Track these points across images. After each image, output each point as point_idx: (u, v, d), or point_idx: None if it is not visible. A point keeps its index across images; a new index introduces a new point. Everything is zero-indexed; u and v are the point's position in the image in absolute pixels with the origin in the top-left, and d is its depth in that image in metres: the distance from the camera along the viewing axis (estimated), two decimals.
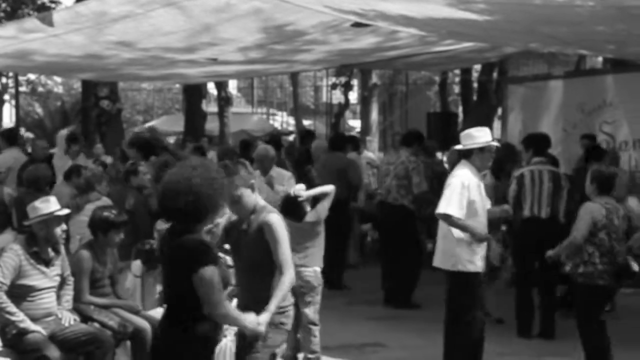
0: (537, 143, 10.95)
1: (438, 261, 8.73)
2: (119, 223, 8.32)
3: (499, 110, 19.69)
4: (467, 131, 8.83)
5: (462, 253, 8.44)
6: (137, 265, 9.67)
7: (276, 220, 6.01)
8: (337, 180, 12.82)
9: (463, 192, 8.38)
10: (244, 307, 5.91)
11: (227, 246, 6.75)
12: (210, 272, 5.07)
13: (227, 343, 8.22)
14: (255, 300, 5.89)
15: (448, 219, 8.39)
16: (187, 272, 5.09)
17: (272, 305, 5.80)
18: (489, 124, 19.18)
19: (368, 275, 13.52)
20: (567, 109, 15.02)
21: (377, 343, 10.13)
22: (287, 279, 5.93)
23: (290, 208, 8.13)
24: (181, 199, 5.04)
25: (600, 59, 21.77)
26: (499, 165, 11.18)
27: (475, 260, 8.47)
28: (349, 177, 13.27)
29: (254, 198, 6.13)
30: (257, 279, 6.03)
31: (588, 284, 8.47)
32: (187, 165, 5.23)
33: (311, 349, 8.79)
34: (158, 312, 8.40)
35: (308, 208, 8.53)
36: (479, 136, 8.65)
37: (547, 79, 16.76)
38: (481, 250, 8.55)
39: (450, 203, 8.35)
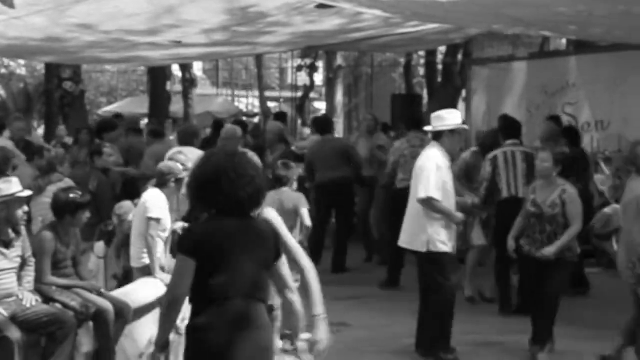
0: (509, 125, 11.04)
1: (406, 242, 8.78)
2: (85, 203, 8.27)
3: (464, 92, 19.75)
4: (437, 113, 8.88)
5: (434, 234, 8.50)
6: (100, 246, 9.65)
7: (271, 213, 5.92)
8: (340, 164, 13.06)
9: (438, 174, 8.48)
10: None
11: None
12: None
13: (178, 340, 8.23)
14: None
15: (430, 202, 8.46)
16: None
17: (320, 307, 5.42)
18: (453, 105, 19.25)
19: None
20: (530, 90, 15.10)
21: (341, 323, 10.13)
22: (308, 265, 5.62)
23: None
24: (257, 190, 4.94)
25: (563, 40, 21.88)
26: (484, 150, 11.24)
27: (447, 241, 8.55)
28: (352, 160, 13.36)
29: None
30: None
31: (573, 262, 8.79)
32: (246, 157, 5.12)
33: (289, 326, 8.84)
34: (120, 293, 8.40)
35: None
36: (450, 118, 8.71)
37: (511, 61, 16.83)
38: (453, 231, 8.63)
39: (429, 186, 8.43)
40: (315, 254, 12.18)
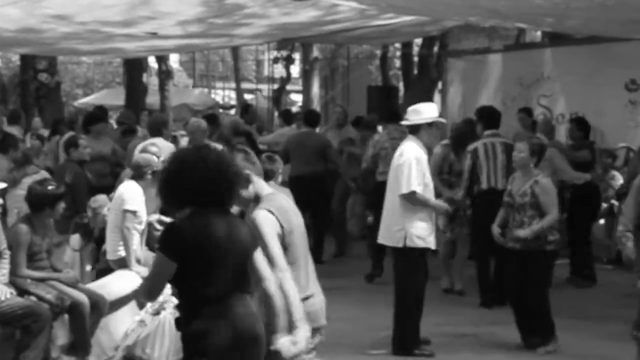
0: (488, 116, 11.05)
1: (384, 237, 8.79)
2: (60, 195, 8.24)
3: (440, 84, 19.80)
4: (414, 106, 8.86)
5: (411, 229, 8.49)
6: (75, 239, 9.61)
7: (262, 216, 5.66)
8: (317, 159, 13.08)
9: (418, 168, 8.47)
10: None
11: None
12: None
13: (167, 316, 8.22)
14: None
15: (413, 196, 8.46)
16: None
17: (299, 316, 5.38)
18: (429, 97, 19.31)
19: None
20: (506, 82, 15.15)
21: None
22: (284, 276, 5.42)
23: None
24: (228, 184, 4.88)
25: (539, 33, 21.95)
26: (459, 141, 11.26)
27: (426, 236, 8.55)
28: (328, 156, 13.39)
29: (250, 191, 5.75)
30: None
31: (554, 251, 8.83)
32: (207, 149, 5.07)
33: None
34: (96, 285, 8.38)
35: None
36: (427, 111, 8.71)
37: (486, 53, 16.88)
38: (431, 225, 8.63)
39: (411, 180, 8.42)
40: None
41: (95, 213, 9.40)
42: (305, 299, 5.78)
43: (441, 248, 11.35)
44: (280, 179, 8.95)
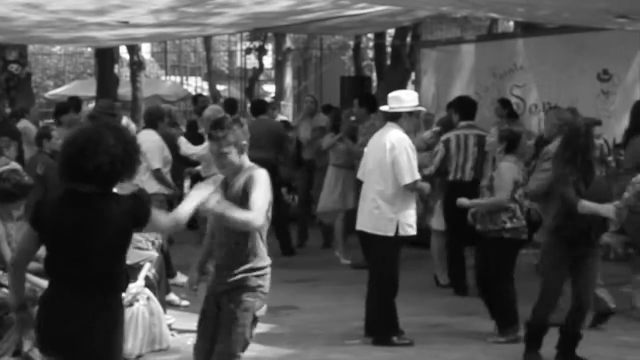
0: (465, 107, 11.05)
1: (371, 227, 8.74)
2: (30, 186, 8.17)
3: (413, 75, 19.80)
4: (395, 93, 8.91)
5: (403, 218, 8.55)
6: None
7: (262, 174, 5.81)
8: (269, 145, 13.08)
9: (412, 155, 8.57)
10: (220, 267, 5.85)
11: None
12: None
13: (140, 308, 8.19)
14: (233, 260, 5.78)
15: (416, 185, 8.58)
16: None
17: (229, 211, 5.38)
18: (403, 88, 19.26)
19: None
20: (479, 73, 15.15)
21: (291, 306, 10.16)
22: (252, 216, 5.53)
23: None
24: (97, 159, 4.70)
25: (511, 23, 21.99)
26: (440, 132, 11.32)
27: (414, 224, 8.65)
28: (282, 143, 13.51)
29: (240, 159, 5.86)
30: (234, 239, 5.78)
31: (515, 239, 8.66)
32: (101, 127, 5.01)
33: None
34: None
35: None
36: (408, 100, 8.75)
37: (459, 43, 16.86)
38: (414, 214, 8.69)
39: (413, 170, 8.53)
40: None
41: None
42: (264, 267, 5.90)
43: (434, 241, 11.38)
44: None
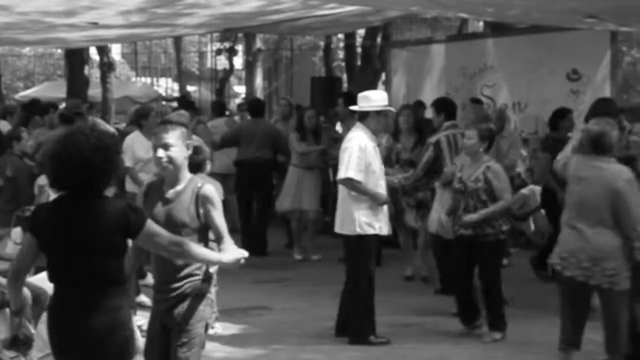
0: (448, 107, 11.13)
1: (338, 227, 8.77)
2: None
3: (383, 75, 19.81)
4: (364, 93, 8.93)
5: (361, 217, 8.52)
6: (17, 232, 9.48)
7: (214, 190, 5.62)
8: (261, 146, 13.07)
9: (360, 155, 8.49)
10: (160, 281, 5.64)
11: None
12: None
13: None
14: (172, 274, 5.56)
15: (349, 182, 8.49)
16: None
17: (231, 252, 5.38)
18: (373, 88, 19.25)
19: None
20: (449, 72, 15.20)
21: (261, 306, 10.15)
22: (238, 251, 5.40)
23: None
24: (77, 174, 4.68)
25: (481, 23, 22.05)
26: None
27: (374, 223, 8.57)
28: (277, 145, 13.44)
29: (184, 159, 5.61)
30: None
31: (506, 240, 9.00)
32: (79, 138, 4.83)
33: None
34: (38, 279, 8.26)
35: None
36: (377, 99, 8.76)
37: (429, 43, 16.91)
38: (380, 212, 8.65)
39: (349, 167, 8.45)
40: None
41: (41, 191, 9.29)
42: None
43: (402, 238, 11.43)
44: (208, 168, 8.94)
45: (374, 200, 8.58)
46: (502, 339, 8.64)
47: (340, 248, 9.22)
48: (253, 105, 14.61)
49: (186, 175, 5.65)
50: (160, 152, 5.56)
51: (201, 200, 5.53)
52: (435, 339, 8.82)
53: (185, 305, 5.56)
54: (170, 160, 5.55)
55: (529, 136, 13.69)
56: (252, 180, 13.26)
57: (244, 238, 12.45)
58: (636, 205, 6.85)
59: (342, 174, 8.49)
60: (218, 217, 5.54)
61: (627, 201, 6.82)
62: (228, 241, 5.53)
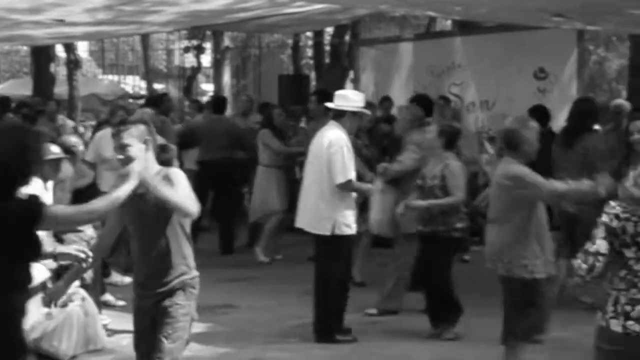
0: (427, 105, 11.15)
1: (309, 226, 8.73)
2: None
3: (351, 73, 19.80)
4: (343, 92, 9.00)
5: (339, 217, 8.51)
6: None
7: (178, 171, 5.63)
8: (221, 144, 12.98)
9: (348, 154, 8.53)
10: (146, 276, 5.61)
11: None
12: None
13: (74, 308, 8.08)
14: (158, 268, 5.56)
15: (349, 184, 8.53)
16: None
17: (165, 188, 5.30)
18: (341, 86, 19.27)
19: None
20: (417, 71, 15.19)
21: (228, 305, 10.11)
22: (188, 201, 5.37)
23: None
24: None
25: (449, 22, 22.10)
26: None
27: (352, 224, 8.59)
28: (240, 143, 13.36)
29: (146, 156, 5.57)
30: (160, 247, 5.55)
31: (461, 238, 8.80)
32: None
33: None
34: None
35: None
36: (355, 100, 8.78)
37: (397, 42, 16.91)
38: (355, 212, 8.69)
39: (346, 169, 8.48)
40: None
41: None
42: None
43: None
44: (176, 167, 8.87)
45: (368, 194, 8.73)
46: (454, 338, 8.60)
47: (303, 246, 9.19)
48: (214, 103, 14.58)
49: (153, 170, 5.59)
50: (119, 154, 5.57)
51: (165, 182, 5.48)
52: (402, 337, 8.81)
53: (172, 299, 5.55)
54: (129, 159, 5.48)
55: (497, 134, 13.67)
56: (213, 181, 13.14)
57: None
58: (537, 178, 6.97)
59: (341, 177, 8.47)
60: (178, 190, 5.45)
61: (526, 179, 6.94)
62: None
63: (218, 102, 14.52)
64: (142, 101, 24.99)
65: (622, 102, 12.21)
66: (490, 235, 7.28)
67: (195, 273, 5.69)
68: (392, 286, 9.65)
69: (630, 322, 4.42)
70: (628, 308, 4.44)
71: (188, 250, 5.69)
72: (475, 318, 8.84)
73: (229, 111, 16.65)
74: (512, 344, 7.27)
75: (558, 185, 7.10)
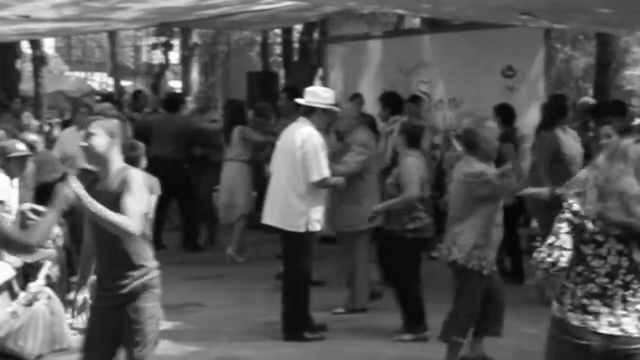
0: (396, 102, 11.17)
1: (279, 222, 8.70)
2: None
3: (320, 71, 19.79)
4: (313, 88, 9.02)
5: (312, 214, 8.52)
6: None
7: (136, 174, 5.45)
8: (173, 142, 12.89)
9: (322, 152, 8.54)
10: (106, 276, 5.48)
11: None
12: None
13: (40, 307, 8.02)
14: (120, 267, 5.41)
15: (325, 182, 8.55)
16: None
17: (103, 211, 5.10)
18: (310, 83, 19.22)
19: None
20: (386, 68, 15.18)
21: (195, 303, 10.06)
22: (128, 221, 5.15)
23: None
24: None
25: (418, 20, 22.11)
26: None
27: (321, 219, 8.64)
28: (196, 140, 13.34)
29: (109, 149, 5.42)
30: (116, 249, 5.39)
31: (418, 239, 8.62)
32: None
33: None
34: None
35: None
36: (326, 97, 8.77)
37: (366, 39, 16.88)
38: (323, 209, 8.68)
39: (321, 167, 8.49)
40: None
41: None
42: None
43: None
44: (144, 164, 8.86)
45: (338, 188, 8.79)
46: (413, 340, 8.55)
47: (271, 244, 9.15)
48: (168, 100, 14.47)
49: (116, 166, 5.48)
50: (83, 142, 5.46)
51: (123, 185, 5.35)
52: (370, 336, 8.79)
53: (135, 303, 5.42)
54: (90, 148, 5.41)
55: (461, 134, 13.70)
56: (161, 178, 12.98)
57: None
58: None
59: (317, 175, 8.47)
60: (129, 200, 5.26)
61: (482, 177, 7.31)
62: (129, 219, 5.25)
63: (171, 100, 14.41)
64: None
65: (589, 100, 12.29)
66: (449, 233, 7.48)
67: (155, 273, 5.53)
68: (358, 285, 9.64)
69: (588, 317, 4.49)
70: (585, 301, 4.50)
71: (146, 251, 5.51)
72: (441, 315, 8.82)
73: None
74: (454, 340, 7.49)
75: (512, 184, 7.30)
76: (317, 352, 8.31)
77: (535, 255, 4.61)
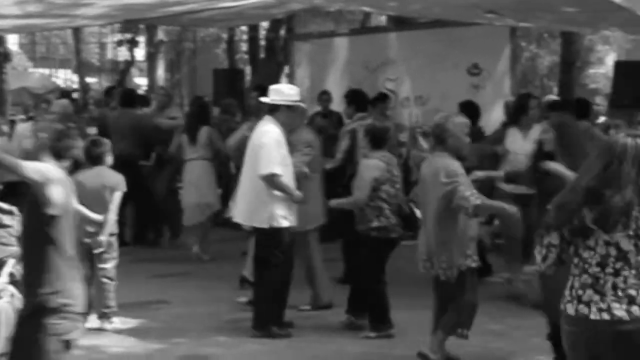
0: (360, 100, 11.18)
1: (245, 218, 8.72)
2: None
3: (287, 68, 19.78)
4: (277, 86, 9.00)
5: (277, 210, 8.48)
6: None
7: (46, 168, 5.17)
8: (128, 138, 12.80)
9: (279, 150, 8.47)
10: (23, 282, 5.41)
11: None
12: None
13: (3, 305, 7.94)
14: (31, 276, 5.23)
15: (273, 178, 8.42)
16: None
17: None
18: (276, 80, 19.24)
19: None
20: (352, 66, 15.22)
21: (160, 300, 10.03)
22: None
23: None
24: None
25: (384, 17, 22.15)
26: None
27: (289, 216, 8.57)
28: (144, 135, 13.19)
29: (36, 149, 5.45)
30: (30, 261, 5.27)
31: (382, 238, 8.55)
32: None
33: (107, 303, 8.76)
34: None
35: None
36: (290, 94, 8.75)
37: (332, 36, 16.93)
38: (294, 206, 8.64)
39: (272, 162, 8.39)
40: None
41: None
42: None
43: None
44: (110, 161, 8.79)
45: (291, 198, 8.55)
46: (378, 337, 8.54)
47: (237, 241, 9.13)
48: (122, 96, 14.30)
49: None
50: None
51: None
52: (336, 332, 8.79)
53: (38, 316, 5.12)
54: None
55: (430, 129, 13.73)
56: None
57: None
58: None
59: (265, 169, 8.40)
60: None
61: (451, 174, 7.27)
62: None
63: (126, 95, 14.32)
64: (76, 95, 24.80)
65: (554, 98, 12.35)
66: (430, 244, 7.48)
67: (63, 301, 5.11)
68: (318, 282, 9.63)
69: (581, 306, 4.58)
70: (580, 292, 4.60)
71: (57, 273, 5.13)
72: (406, 311, 8.85)
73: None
74: (459, 333, 7.52)
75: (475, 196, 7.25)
76: (283, 349, 8.29)
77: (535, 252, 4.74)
